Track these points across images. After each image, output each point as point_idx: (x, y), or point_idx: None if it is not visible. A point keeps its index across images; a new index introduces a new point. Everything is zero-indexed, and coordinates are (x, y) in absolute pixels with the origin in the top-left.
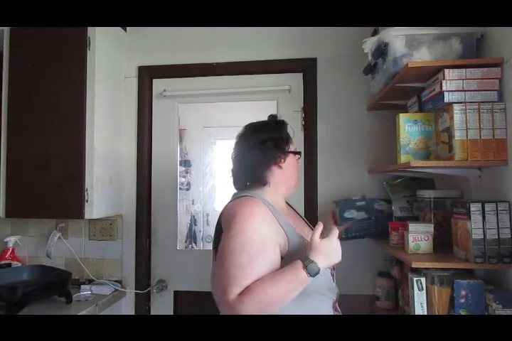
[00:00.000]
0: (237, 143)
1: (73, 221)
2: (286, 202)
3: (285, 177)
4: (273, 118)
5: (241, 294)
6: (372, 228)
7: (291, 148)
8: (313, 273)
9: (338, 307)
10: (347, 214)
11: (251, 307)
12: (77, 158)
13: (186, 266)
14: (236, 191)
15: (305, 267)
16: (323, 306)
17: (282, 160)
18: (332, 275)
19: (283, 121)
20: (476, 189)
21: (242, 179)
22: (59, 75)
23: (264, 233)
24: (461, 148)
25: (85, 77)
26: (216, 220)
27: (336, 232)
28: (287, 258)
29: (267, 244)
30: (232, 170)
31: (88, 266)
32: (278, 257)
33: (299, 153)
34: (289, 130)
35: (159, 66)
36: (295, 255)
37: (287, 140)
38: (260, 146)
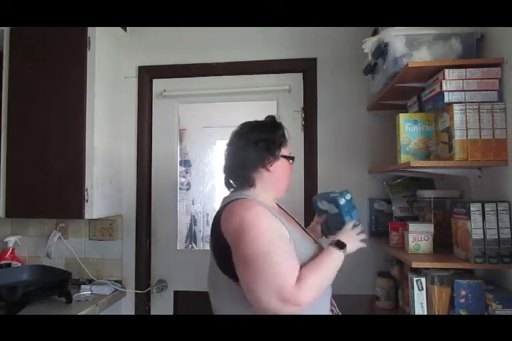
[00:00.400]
0: (229, 141)
1: (73, 221)
2: (277, 204)
3: (273, 181)
4: (270, 119)
5: (297, 284)
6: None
7: (284, 152)
8: (345, 251)
9: (333, 302)
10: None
11: (312, 292)
12: (77, 158)
13: (186, 266)
14: (227, 194)
15: (338, 247)
16: (322, 303)
17: (270, 164)
18: None
19: (279, 123)
20: (476, 189)
21: (231, 178)
22: (59, 75)
23: (277, 228)
24: (461, 148)
25: (85, 77)
26: (211, 225)
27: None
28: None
29: (284, 236)
30: (223, 169)
31: (88, 266)
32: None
33: (291, 158)
34: (286, 134)
35: (159, 66)
36: (297, 249)
37: (280, 143)
38: (250, 147)
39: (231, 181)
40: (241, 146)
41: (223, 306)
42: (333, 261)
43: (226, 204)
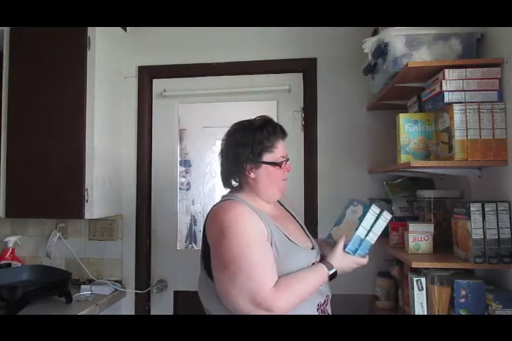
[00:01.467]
0: (221, 142)
1: (73, 221)
2: (281, 204)
3: (258, 187)
4: (257, 121)
5: (274, 290)
6: None
7: (269, 157)
8: (332, 277)
9: (327, 310)
10: None
11: (286, 300)
12: (77, 158)
13: (186, 266)
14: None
15: (328, 270)
16: (306, 306)
17: (253, 169)
18: None
19: (266, 126)
20: (476, 189)
21: (223, 181)
22: (59, 75)
23: (256, 230)
24: (461, 148)
25: (85, 77)
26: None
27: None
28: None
29: (262, 237)
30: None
31: (88, 266)
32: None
33: (276, 164)
34: (275, 137)
35: (159, 66)
36: (278, 251)
37: (261, 149)
38: (231, 152)
39: (224, 183)
40: (224, 149)
41: (213, 309)
42: (317, 276)
43: (213, 206)
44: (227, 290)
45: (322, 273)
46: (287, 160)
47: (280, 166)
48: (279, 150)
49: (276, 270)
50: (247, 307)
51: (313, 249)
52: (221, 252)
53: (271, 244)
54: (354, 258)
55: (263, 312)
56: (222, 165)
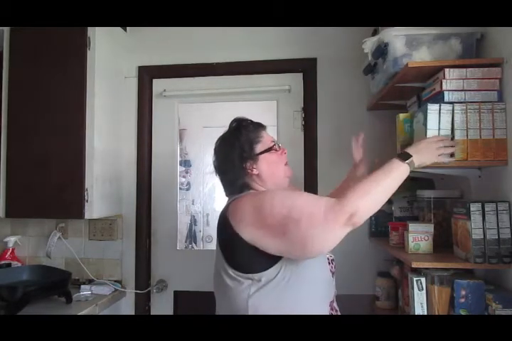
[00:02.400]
0: (213, 158)
1: (73, 221)
2: None
3: (266, 179)
4: (232, 124)
5: (343, 195)
6: None
7: (260, 147)
8: (409, 161)
9: (335, 306)
10: None
11: (361, 198)
12: (77, 158)
13: (186, 266)
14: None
15: (400, 158)
16: (320, 303)
17: (253, 165)
18: (332, 272)
19: (242, 122)
20: (476, 189)
21: (229, 189)
22: (59, 75)
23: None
24: (461, 148)
25: (85, 77)
26: (217, 222)
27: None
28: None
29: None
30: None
31: (88, 266)
32: None
33: (270, 149)
34: (254, 129)
35: (159, 66)
36: None
37: (251, 143)
38: (227, 160)
39: (231, 191)
40: (220, 162)
41: (227, 304)
42: (392, 172)
43: (231, 201)
44: (306, 238)
45: (395, 164)
46: (279, 144)
47: (275, 149)
48: (265, 138)
49: (295, 261)
50: (336, 229)
51: None
52: (270, 216)
53: None
54: (431, 143)
55: (353, 221)
56: (222, 179)
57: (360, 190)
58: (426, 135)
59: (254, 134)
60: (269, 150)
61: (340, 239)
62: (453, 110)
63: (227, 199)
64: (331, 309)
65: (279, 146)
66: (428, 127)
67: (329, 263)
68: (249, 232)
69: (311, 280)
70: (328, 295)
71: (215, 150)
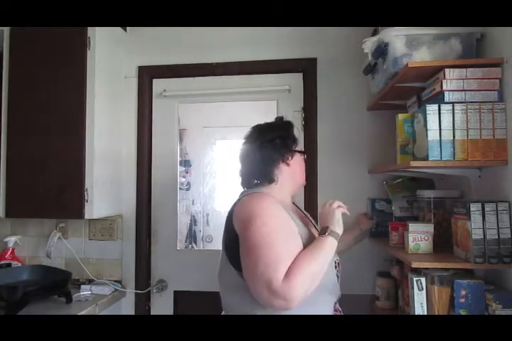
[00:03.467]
0: (245, 144)
1: (73, 221)
2: (293, 203)
3: (292, 175)
4: (280, 119)
5: (286, 278)
6: None
7: (299, 147)
8: (328, 232)
9: (338, 307)
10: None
11: (302, 285)
12: (77, 158)
13: (186, 266)
14: (243, 190)
15: (328, 233)
16: (324, 305)
17: (290, 158)
18: (337, 276)
19: (290, 121)
20: (476, 189)
21: (251, 177)
22: (59, 75)
23: (285, 220)
24: (461, 148)
25: (85, 77)
26: (225, 220)
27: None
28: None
29: (292, 228)
30: (241, 170)
31: (88, 266)
32: (301, 241)
33: (304, 152)
34: (295, 131)
35: (159, 66)
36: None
37: (294, 139)
38: (268, 145)
39: (250, 180)
40: (259, 146)
41: (232, 302)
42: (321, 248)
43: (241, 197)
44: (249, 278)
45: (328, 242)
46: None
47: (305, 155)
48: (299, 146)
49: None
50: (266, 297)
51: None
52: (247, 239)
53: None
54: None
55: (281, 302)
56: (254, 161)
57: (304, 279)
58: (427, 136)
59: (296, 136)
60: (303, 152)
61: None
62: (453, 110)
63: (240, 192)
64: (335, 310)
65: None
66: (428, 128)
67: (335, 267)
68: (238, 232)
69: (319, 283)
70: (333, 296)
71: (252, 136)
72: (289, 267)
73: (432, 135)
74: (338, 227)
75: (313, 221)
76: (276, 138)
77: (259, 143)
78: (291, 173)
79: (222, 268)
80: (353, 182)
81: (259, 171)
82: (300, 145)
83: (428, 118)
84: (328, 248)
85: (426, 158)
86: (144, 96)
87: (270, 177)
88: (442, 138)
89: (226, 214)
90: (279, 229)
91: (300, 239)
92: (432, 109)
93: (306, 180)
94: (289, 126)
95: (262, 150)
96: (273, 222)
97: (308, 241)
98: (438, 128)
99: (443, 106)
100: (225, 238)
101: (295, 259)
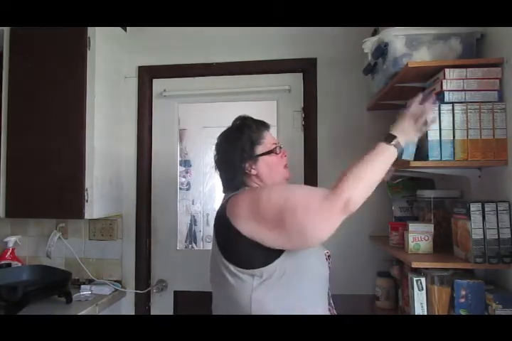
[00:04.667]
0: (214, 154)
1: (73, 221)
2: None
3: (264, 181)
4: (235, 123)
5: (335, 188)
6: None
7: (262, 149)
8: (395, 142)
9: (331, 303)
10: None
11: (355, 185)
12: (77, 158)
13: (186, 266)
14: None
15: (386, 141)
16: (320, 297)
17: (252, 168)
18: (329, 267)
19: (247, 121)
20: (476, 189)
21: (227, 186)
22: (59, 75)
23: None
24: (461, 148)
25: (85, 77)
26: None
27: (410, 112)
28: (288, 252)
29: None
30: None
31: (88, 266)
32: None
33: (271, 151)
34: (257, 130)
35: (159, 66)
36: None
37: (252, 143)
38: (227, 158)
39: (228, 188)
40: (220, 159)
41: (229, 299)
42: (378, 154)
43: (229, 197)
44: (303, 228)
45: (381, 147)
46: (280, 147)
47: (276, 152)
48: (267, 140)
49: (295, 256)
50: (332, 217)
51: None
52: (268, 209)
53: None
54: (407, 121)
55: (348, 208)
56: (221, 175)
57: (352, 178)
58: (427, 136)
59: (257, 135)
60: (269, 152)
61: (337, 227)
62: (453, 110)
63: (223, 195)
64: (329, 304)
65: (280, 148)
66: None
67: (326, 259)
68: (248, 227)
69: (312, 275)
70: (326, 289)
71: (216, 146)
72: (342, 172)
73: (432, 135)
74: (406, 138)
75: None
76: (232, 150)
77: (219, 159)
78: (262, 179)
79: (218, 269)
80: None
81: (228, 184)
82: (266, 143)
83: None
84: (388, 158)
85: (426, 158)
86: (144, 96)
87: (244, 185)
88: (442, 138)
89: None
90: (284, 186)
91: None
92: None
93: (305, 180)
94: (243, 128)
95: (223, 166)
96: (275, 187)
97: None
98: (438, 128)
99: (443, 106)
100: (220, 238)
101: (348, 166)
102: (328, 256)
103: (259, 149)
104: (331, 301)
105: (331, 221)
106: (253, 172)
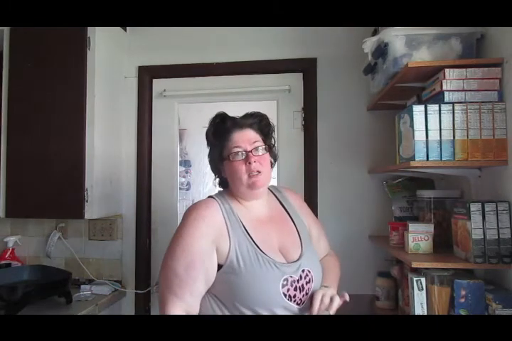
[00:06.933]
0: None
1: (73, 221)
2: (283, 205)
3: (231, 185)
4: (210, 122)
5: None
6: None
7: (226, 152)
8: None
9: (308, 288)
10: None
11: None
12: (77, 158)
13: None
14: None
15: None
16: (267, 284)
17: (223, 170)
18: (289, 296)
19: (211, 123)
20: (476, 189)
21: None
22: (59, 75)
23: (204, 239)
24: (461, 148)
25: (85, 77)
26: None
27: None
28: (226, 268)
29: (204, 251)
30: None
31: (88, 266)
32: (214, 264)
33: (228, 157)
34: (223, 130)
35: (159, 66)
36: (240, 265)
37: (220, 147)
38: (208, 159)
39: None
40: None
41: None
42: None
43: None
44: (161, 273)
45: None
46: (246, 151)
47: (233, 159)
48: (232, 143)
49: (238, 283)
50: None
51: (297, 261)
52: (170, 242)
53: (234, 256)
54: None
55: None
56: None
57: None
58: (414, 137)
59: (222, 137)
60: (225, 158)
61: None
62: (453, 110)
63: None
64: (297, 289)
65: (241, 154)
66: (415, 128)
67: (284, 285)
68: None
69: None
70: (276, 273)
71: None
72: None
73: (419, 135)
74: None
75: (296, 220)
76: (209, 149)
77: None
78: (229, 183)
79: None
80: (353, 182)
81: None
82: (234, 143)
83: (414, 119)
84: None
85: (412, 159)
86: (144, 96)
87: (224, 184)
88: (442, 138)
89: None
90: (193, 248)
91: (214, 258)
92: (417, 110)
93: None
94: (213, 128)
95: (209, 162)
96: (191, 238)
97: (248, 258)
98: (424, 129)
99: (443, 106)
100: None
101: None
102: (293, 281)
103: (225, 152)
104: (310, 286)
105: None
106: (223, 174)
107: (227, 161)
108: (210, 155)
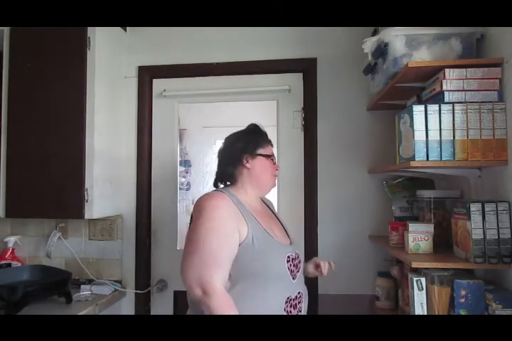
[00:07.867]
0: (220, 147)
1: (73, 221)
2: (266, 204)
3: (253, 177)
4: (250, 126)
5: (219, 292)
6: None
7: (263, 151)
8: None
9: (301, 307)
10: None
11: (224, 305)
12: (77, 158)
13: None
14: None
15: None
16: (270, 297)
17: (248, 161)
18: (290, 270)
19: (256, 127)
20: (476, 189)
21: (217, 178)
22: (59, 75)
23: (228, 221)
24: (461, 148)
25: (85, 77)
26: None
27: None
28: (244, 246)
29: (230, 230)
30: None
31: (88, 266)
32: (237, 244)
33: (269, 156)
34: (262, 136)
35: (159, 66)
36: (255, 244)
37: (256, 143)
38: (230, 147)
39: (217, 181)
40: (224, 149)
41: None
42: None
43: (201, 196)
44: (183, 266)
45: None
46: (276, 162)
47: (272, 160)
48: (268, 149)
49: (252, 260)
50: (191, 284)
51: (290, 244)
52: (191, 231)
53: (251, 237)
54: None
55: (203, 293)
56: (220, 162)
57: (230, 308)
58: (414, 137)
59: (263, 140)
60: (267, 156)
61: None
62: (453, 110)
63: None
64: (292, 307)
65: (275, 161)
66: (415, 128)
67: (288, 261)
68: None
69: (259, 277)
70: (284, 291)
71: (225, 139)
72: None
73: (419, 135)
74: None
75: (279, 216)
76: (238, 141)
77: (224, 147)
78: (251, 175)
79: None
80: (353, 182)
81: (220, 173)
82: (268, 150)
83: (414, 119)
84: None
85: (413, 159)
86: (144, 96)
87: (230, 179)
88: (442, 138)
89: None
90: (221, 229)
91: (236, 237)
92: (418, 109)
93: (305, 180)
94: (256, 132)
95: (225, 153)
96: (217, 221)
97: (261, 240)
98: (424, 128)
99: (443, 106)
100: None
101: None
102: (293, 258)
103: (260, 150)
104: (302, 306)
105: (194, 288)
106: (248, 165)
107: (264, 158)
108: (239, 148)
